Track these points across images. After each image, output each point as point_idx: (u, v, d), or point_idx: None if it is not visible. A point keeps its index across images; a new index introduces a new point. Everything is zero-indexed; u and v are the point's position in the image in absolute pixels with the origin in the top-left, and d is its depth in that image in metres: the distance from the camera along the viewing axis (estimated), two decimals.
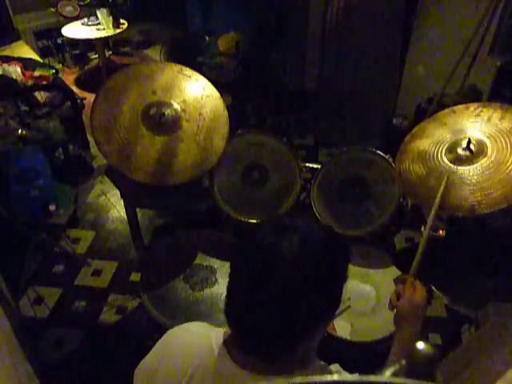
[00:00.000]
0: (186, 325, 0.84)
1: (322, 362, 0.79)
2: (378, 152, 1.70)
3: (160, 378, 0.77)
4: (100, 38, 3.90)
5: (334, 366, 0.80)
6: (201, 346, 0.76)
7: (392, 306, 1.03)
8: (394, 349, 0.96)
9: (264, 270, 0.66)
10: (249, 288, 0.67)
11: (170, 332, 0.84)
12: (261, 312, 0.65)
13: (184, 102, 1.64)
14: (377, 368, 0.86)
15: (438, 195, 1.21)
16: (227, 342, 0.74)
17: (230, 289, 0.71)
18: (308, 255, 0.66)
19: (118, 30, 3.91)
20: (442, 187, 1.22)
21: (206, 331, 0.80)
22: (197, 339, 0.78)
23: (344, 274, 0.72)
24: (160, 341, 0.84)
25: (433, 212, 1.17)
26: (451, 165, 1.31)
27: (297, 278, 0.64)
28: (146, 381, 0.81)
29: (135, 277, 2.30)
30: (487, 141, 1.29)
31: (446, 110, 1.45)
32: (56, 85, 2.88)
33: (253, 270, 0.67)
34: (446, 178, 1.25)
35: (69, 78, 4.31)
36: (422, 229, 1.74)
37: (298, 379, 0.37)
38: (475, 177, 1.24)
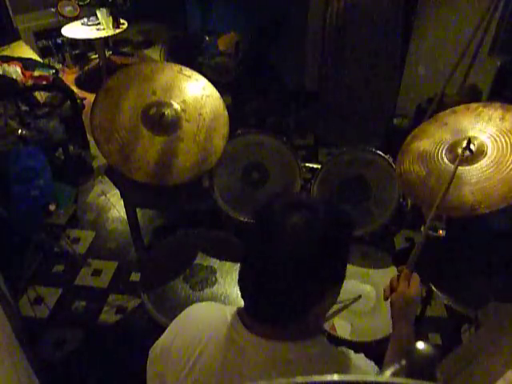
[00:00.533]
0: (200, 303, 0.90)
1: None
2: (378, 152, 1.70)
3: (174, 351, 0.80)
4: (100, 38, 3.91)
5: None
6: (215, 317, 0.81)
7: (385, 297, 1.02)
8: (390, 348, 0.95)
9: (273, 241, 0.71)
10: (259, 257, 0.73)
11: (185, 311, 0.88)
12: (270, 280, 0.70)
13: (184, 102, 1.64)
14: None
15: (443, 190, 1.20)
16: (240, 313, 0.79)
17: (243, 259, 0.77)
18: (313, 228, 0.70)
19: (118, 30, 3.91)
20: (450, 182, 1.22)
21: (221, 306, 0.87)
22: (211, 312, 0.84)
23: (347, 246, 0.76)
24: (175, 319, 0.88)
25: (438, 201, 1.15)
26: (451, 165, 1.31)
27: (302, 249, 0.69)
28: (160, 357, 0.83)
29: (135, 277, 2.30)
30: (487, 141, 1.28)
31: (447, 111, 1.45)
32: (56, 85, 2.88)
33: (263, 242, 0.72)
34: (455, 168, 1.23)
35: (69, 77, 4.31)
36: (422, 229, 1.75)
37: (299, 379, 0.37)
38: (475, 177, 1.24)
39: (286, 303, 0.71)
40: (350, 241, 0.77)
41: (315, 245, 0.69)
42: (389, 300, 1.01)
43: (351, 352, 0.79)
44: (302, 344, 0.74)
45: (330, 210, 0.74)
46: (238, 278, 0.77)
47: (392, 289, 1.01)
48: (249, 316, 0.76)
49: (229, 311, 0.80)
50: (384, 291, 1.03)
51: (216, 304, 0.90)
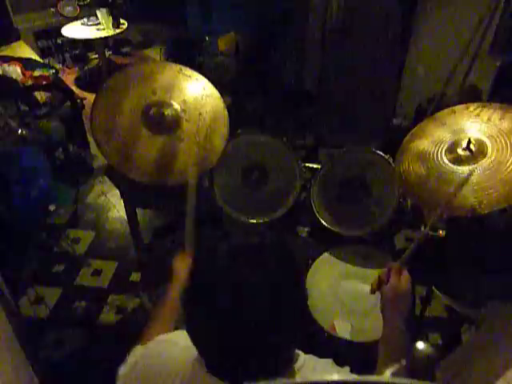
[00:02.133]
0: (173, 336, 0.86)
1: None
2: (378, 152, 1.70)
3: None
4: (100, 38, 3.90)
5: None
6: (179, 360, 0.77)
7: (372, 290, 1.02)
8: (382, 342, 0.94)
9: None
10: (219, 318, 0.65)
11: (150, 347, 0.87)
12: (234, 339, 0.64)
13: (184, 102, 1.64)
14: (377, 368, 0.86)
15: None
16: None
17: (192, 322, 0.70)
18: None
19: (117, 30, 3.91)
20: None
21: (183, 345, 0.78)
22: (181, 353, 0.78)
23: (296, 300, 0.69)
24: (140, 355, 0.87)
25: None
26: (451, 165, 1.31)
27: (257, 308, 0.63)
28: None
29: (135, 277, 2.30)
30: (487, 141, 1.28)
31: (446, 110, 1.45)
32: (56, 85, 2.88)
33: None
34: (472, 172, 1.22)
35: (69, 77, 4.31)
36: (422, 229, 1.75)
37: (298, 379, 0.37)
38: (475, 177, 1.24)
39: (251, 363, 0.65)
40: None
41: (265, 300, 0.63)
42: (377, 294, 0.99)
43: None
44: None
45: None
46: (190, 337, 0.70)
47: (380, 282, 1.00)
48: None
49: (194, 354, 0.74)
50: (371, 285, 1.02)
51: (177, 342, 0.83)
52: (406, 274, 1.00)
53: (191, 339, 0.69)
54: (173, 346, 0.83)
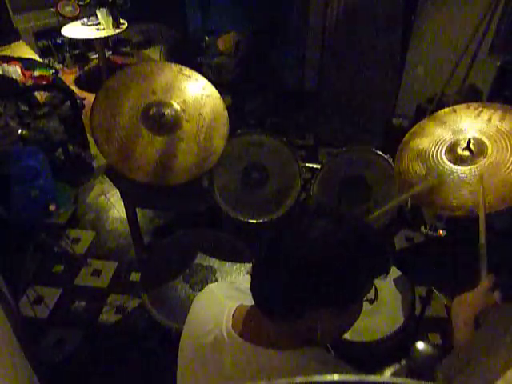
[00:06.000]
0: (212, 286, 0.93)
1: (329, 354, 0.81)
2: (378, 152, 1.70)
3: (185, 341, 0.87)
4: (100, 38, 3.90)
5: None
6: (213, 314, 0.82)
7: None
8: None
9: (294, 237, 0.71)
10: (275, 250, 0.72)
11: (200, 293, 0.93)
12: (279, 270, 0.70)
13: (184, 102, 1.64)
14: (377, 368, 0.86)
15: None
16: (235, 315, 0.80)
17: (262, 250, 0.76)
18: (334, 235, 0.69)
19: (117, 30, 3.91)
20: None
21: (222, 300, 0.86)
22: (213, 307, 0.85)
23: (368, 271, 0.72)
24: (193, 302, 0.93)
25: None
26: (451, 165, 1.31)
27: (318, 250, 0.68)
28: (181, 343, 0.89)
29: (135, 277, 2.30)
30: (487, 141, 1.28)
31: (446, 109, 1.45)
32: (56, 85, 2.88)
33: (276, 246, 0.72)
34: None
35: (69, 77, 4.31)
36: (422, 229, 1.75)
37: (298, 379, 0.37)
38: (476, 177, 1.24)
39: (285, 292, 0.71)
40: (371, 264, 0.73)
41: (331, 249, 0.68)
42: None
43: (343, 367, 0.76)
44: (288, 353, 0.73)
45: (359, 225, 0.74)
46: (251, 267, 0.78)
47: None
48: (248, 317, 0.78)
49: (227, 310, 0.81)
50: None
51: (221, 294, 0.89)
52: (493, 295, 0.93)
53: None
54: (209, 294, 0.91)
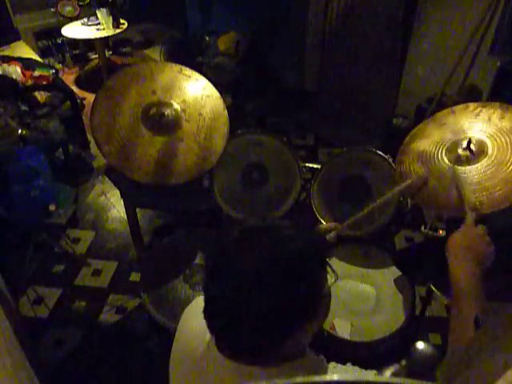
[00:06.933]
0: (200, 299, 0.87)
1: (320, 356, 0.78)
2: (378, 152, 1.70)
3: (174, 354, 0.85)
4: (100, 38, 3.90)
5: (332, 364, 0.79)
6: (201, 329, 0.77)
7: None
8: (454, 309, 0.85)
9: (236, 273, 0.66)
10: (222, 291, 0.68)
11: (189, 305, 0.89)
12: (236, 313, 0.66)
13: (184, 102, 1.64)
14: (377, 368, 0.86)
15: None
16: None
17: (206, 294, 0.72)
18: (277, 258, 0.66)
19: (117, 30, 3.91)
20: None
21: None
22: (201, 321, 0.78)
23: (318, 281, 0.70)
24: (182, 314, 0.90)
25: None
26: (452, 165, 1.31)
27: (262, 280, 0.64)
28: (172, 355, 0.86)
29: (135, 277, 2.30)
30: (487, 140, 1.28)
31: (446, 110, 1.45)
32: (56, 85, 2.88)
33: (225, 275, 0.68)
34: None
35: (69, 77, 4.31)
36: (422, 229, 1.75)
37: (298, 379, 0.37)
38: (476, 177, 1.24)
39: (255, 337, 0.66)
40: (321, 275, 0.71)
41: (279, 274, 0.65)
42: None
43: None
44: (273, 370, 0.70)
45: (297, 237, 0.70)
46: (203, 311, 0.72)
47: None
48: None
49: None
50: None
51: None
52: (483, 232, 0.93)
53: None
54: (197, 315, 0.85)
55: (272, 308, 0.64)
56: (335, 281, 0.74)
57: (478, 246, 0.91)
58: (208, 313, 0.71)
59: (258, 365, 0.70)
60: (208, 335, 0.75)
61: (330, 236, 1.09)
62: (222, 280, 0.68)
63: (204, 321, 0.72)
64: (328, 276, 0.73)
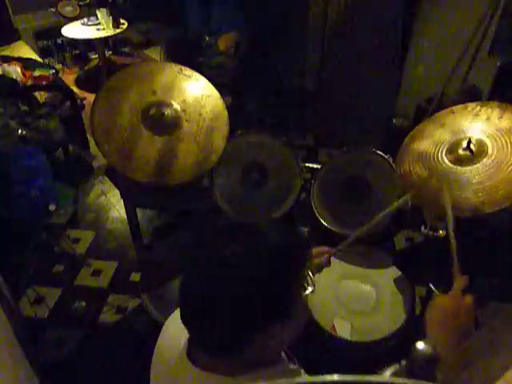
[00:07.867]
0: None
1: (293, 366, 0.77)
2: (378, 152, 1.70)
3: (154, 362, 0.85)
4: (100, 38, 3.90)
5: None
6: (178, 338, 0.78)
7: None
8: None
9: (209, 269, 0.68)
10: (195, 287, 0.69)
11: (172, 314, 0.88)
12: (207, 309, 0.67)
13: (184, 102, 1.64)
14: (377, 368, 0.86)
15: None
16: (189, 343, 0.76)
17: (181, 293, 0.72)
18: (249, 252, 0.67)
19: (117, 30, 3.91)
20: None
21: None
22: (179, 330, 0.78)
23: (289, 282, 0.69)
24: (165, 323, 0.89)
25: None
26: (452, 165, 1.31)
27: (237, 281, 0.65)
28: (152, 362, 0.86)
29: (135, 277, 2.30)
30: (487, 140, 1.28)
31: (445, 111, 1.45)
32: (56, 85, 2.88)
33: (199, 271, 0.70)
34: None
35: (69, 77, 4.31)
36: (422, 228, 1.75)
37: (299, 379, 0.37)
38: (477, 177, 1.24)
39: (223, 332, 0.67)
40: (298, 277, 0.71)
41: (251, 268, 0.65)
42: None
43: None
44: (244, 378, 0.69)
45: (274, 234, 0.71)
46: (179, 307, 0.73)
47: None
48: (192, 346, 0.75)
49: (186, 334, 0.76)
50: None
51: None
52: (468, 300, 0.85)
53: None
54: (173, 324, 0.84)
55: (240, 300, 0.65)
56: (312, 291, 0.72)
57: (461, 317, 0.83)
58: (182, 303, 0.71)
59: (227, 373, 0.70)
60: (182, 344, 0.76)
61: (321, 260, 1.08)
62: (197, 272, 0.70)
63: (180, 329, 0.72)
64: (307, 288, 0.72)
